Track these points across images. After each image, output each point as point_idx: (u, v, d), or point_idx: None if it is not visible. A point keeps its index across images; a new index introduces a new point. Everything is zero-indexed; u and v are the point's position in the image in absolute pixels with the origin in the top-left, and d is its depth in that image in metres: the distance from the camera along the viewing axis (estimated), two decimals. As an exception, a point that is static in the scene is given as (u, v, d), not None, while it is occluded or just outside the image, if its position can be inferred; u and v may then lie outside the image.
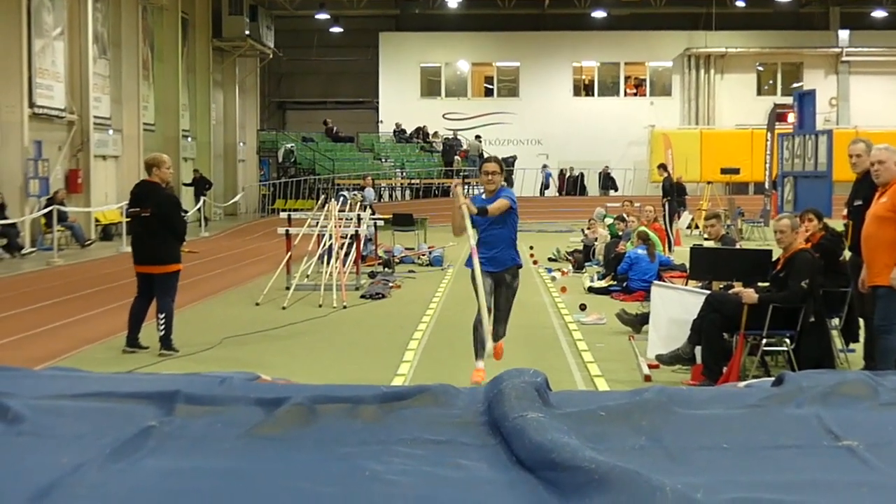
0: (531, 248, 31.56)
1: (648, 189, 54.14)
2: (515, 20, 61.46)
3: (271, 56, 60.15)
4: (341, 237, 22.12)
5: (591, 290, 22.06)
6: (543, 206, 52.79)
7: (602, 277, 22.81)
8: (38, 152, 32.70)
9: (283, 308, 19.27)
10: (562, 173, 59.94)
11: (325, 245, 22.12)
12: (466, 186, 55.68)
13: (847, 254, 13.21)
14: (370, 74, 64.92)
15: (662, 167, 36.86)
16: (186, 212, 15.72)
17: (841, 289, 13.12)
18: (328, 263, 21.22)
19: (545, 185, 58.46)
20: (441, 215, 43.17)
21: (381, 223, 28.37)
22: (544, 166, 58.57)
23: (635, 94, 64.66)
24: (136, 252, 15.04)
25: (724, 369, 12.19)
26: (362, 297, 21.09)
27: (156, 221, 14.73)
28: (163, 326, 14.64)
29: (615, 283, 21.58)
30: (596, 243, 27.24)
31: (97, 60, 37.58)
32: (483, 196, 12.22)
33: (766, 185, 43.16)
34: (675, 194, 34.03)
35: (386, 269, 25.76)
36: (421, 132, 60.28)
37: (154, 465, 4.55)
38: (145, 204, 14.84)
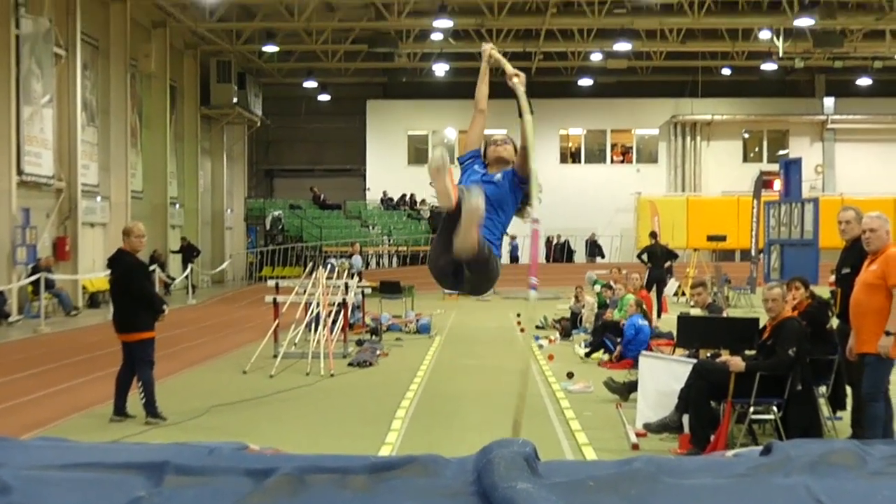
0: (518, 315, 31.58)
1: (636, 256, 54.27)
2: (502, 88, 60.67)
3: (259, 123, 60.36)
4: (329, 305, 22.12)
5: (585, 355, 22.02)
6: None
7: (589, 345, 22.76)
8: (25, 220, 32.71)
9: (271, 376, 19.23)
10: (549, 240, 60.00)
11: (312, 313, 22.11)
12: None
13: (834, 321, 13.25)
14: (358, 142, 65.12)
15: (653, 235, 36.94)
16: (149, 277, 15.52)
17: (828, 357, 13.14)
18: (316, 331, 21.21)
19: (513, 258, 58.25)
20: (428, 282, 43.23)
21: (368, 291, 28.39)
22: (513, 237, 58.43)
23: (622, 162, 64.90)
24: (112, 320, 15.09)
25: (712, 437, 12.18)
26: (350, 364, 21.07)
27: (119, 288, 14.77)
28: (143, 395, 14.62)
29: (606, 354, 21.50)
30: (583, 311, 27.26)
31: (85, 128, 37.70)
32: (488, 174, 8.58)
33: (753, 253, 43.25)
34: (658, 261, 34.00)
35: (373, 337, 25.74)
36: (408, 200, 60.42)
37: (143, 536, 4.52)
38: (113, 271, 14.92)
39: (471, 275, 7.80)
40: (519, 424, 6.56)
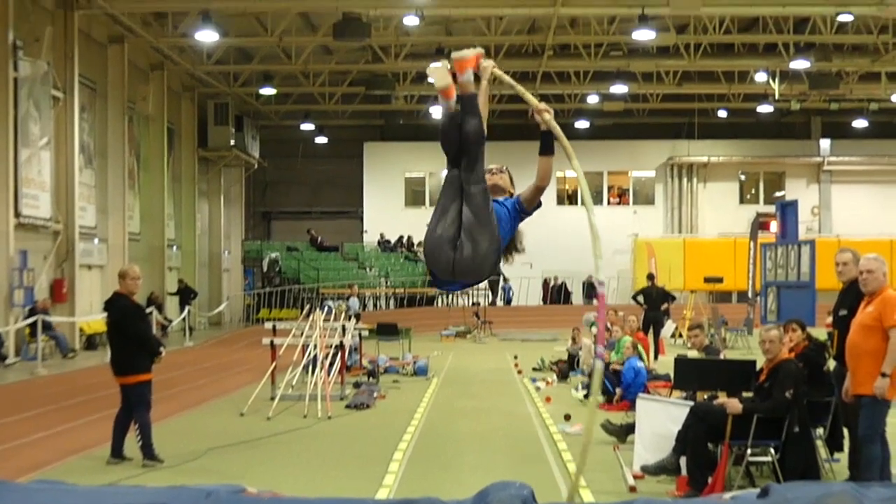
0: (515, 357, 31.58)
1: (631, 298, 54.26)
2: (499, 130, 61.80)
3: (256, 166, 60.45)
4: (326, 347, 22.12)
5: (584, 396, 21.97)
6: (528, 315, 52.83)
7: (586, 387, 22.73)
8: (23, 262, 32.71)
9: (268, 418, 19.21)
10: (546, 282, 60.02)
11: (309, 355, 22.11)
12: (450, 297, 55.85)
13: (831, 363, 13.26)
14: (355, 184, 65.22)
15: (650, 277, 36.96)
16: (145, 320, 15.53)
17: (825, 398, 13.15)
18: (313, 373, 21.21)
19: (507, 300, 58.20)
20: (425, 324, 43.21)
21: (365, 333, 28.40)
22: (505, 279, 58.36)
23: (619, 203, 64.99)
24: (110, 362, 15.11)
25: (710, 479, 12.18)
26: (347, 407, 21.05)
27: (116, 331, 14.80)
28: (140, 437, 14.61)
29: (603, 396, 21.48)
30: (580, 353, 27.26)
31: (83, 170, 37.74)
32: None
33: (750, 295, 43.23)
34: (653, 303, 33.94)
35: (371, 379, 25.71)
36: (405, 242, 60.48)
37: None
38: (109, 314, 14.94)
39: (469, 243, 7.80)
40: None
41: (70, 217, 35.97)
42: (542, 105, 7.92)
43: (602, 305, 7.70)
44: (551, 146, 8.04)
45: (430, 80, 7.85)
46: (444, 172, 8.01)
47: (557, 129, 7.82)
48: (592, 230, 7.88)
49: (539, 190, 8.07)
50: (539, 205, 8.15)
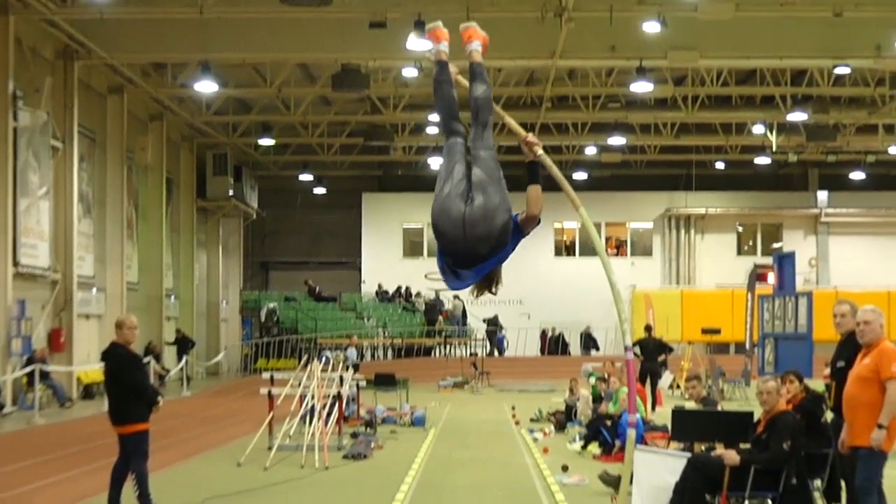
0: (513, 407, 31.54)
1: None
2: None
3: (255, 216, 60.57)
4: (324, 397, 22.11)
5: (582, 447, 21.96)
6: (525, 366, 52.78)
7: (584, 438, 22.70)
8: (21, 311, 32.70)
9: (266, 468, 19.17)
10: (543, 333, 59.98)
11: (307, 405, 22.10)
12: (448, 347, 55.83)
13: (829, 415, 13.27)
14: (353, 234, 65.29)
15: (648, 329, 36.95)
16: (142, 369, 15.54)
17: (823, 450, 13.15)
18: (311, 423, 21.18)
19: (500, 351, 58.09)
20: (423, 375, 43.19)
21: (363, 384, 28.38)
22: (500, 327, 58.29)
23: (616, 255, 65.01)
24: (108, 412, 15.10)
25: (708, 531, 12.18)
26: (345, 457, 21.01)
27: (113, 380, 14.80)
28: (136, 487, 14.58)
29: (601, 447, 21.44)
30: (578, 404, 27.23)
31: (82, 219, 37.82)
32: None
33: (748, 346, 43.25)
34: (650, 354, 33.85)
35: (368, 430, 25.67)
36: (403, 292, 60.50)
37: None
38: (106, 364, 14.96)
39: (481, 195, 7.87)
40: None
41: (68, 266, 36.01)
42: (531, 136, 8.06)
43: (631, 371, 7.69)
44: (538, 176, 8.30)
45: (427, 27, 8.06)
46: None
47: (546, 160, 7.96)
48: (613, 290, 7.95)
49: (531, 218, 8.19)
50: (538, 222, 8.24)
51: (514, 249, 8.27)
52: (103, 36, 35.32)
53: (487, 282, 8.38)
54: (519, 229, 8.18)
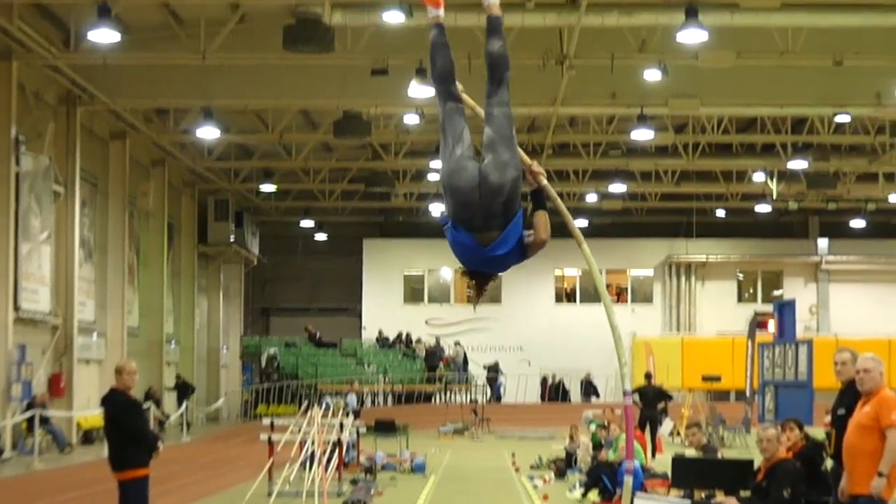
0: (513, 454, 31.48)
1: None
2: None
3: (256, 262, 60.60)
4: (324, 443, 22.08)
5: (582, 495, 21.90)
6: (525, 413, 52.68)
7: (584, 485, 22.66)
8: (21, 356, 32.67)
9: (265, 514, 19.14)
10: (544, 380, 59.88)
11: (307, 451, 22.07)
12: (448, 393, 55.72)
13: (829, 462, 13.26)
14: (354, 280, 65.24)
15: (648, 376, 36.92)
16: (142, 415, 15.52)
17: (823, 498, 13.14)
18: (310, 469, 21.15)
19: (497, 397, 57.98)
20: (423, 421, 43.11)
21: (363, 430, 28.35)
22: (500, 372, 58.22)
23: (617, 302, 64.95)
24: (108, 457, 15.09)
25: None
26: (345, 503, 20.98)
27: (113, 426, 14.79)
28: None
29: (601, 495, 21.40)
30: (578, 451, 27.19)
31: (83, 264, 37.85)
32: None
33: (748, 393, 43.15)
34: (650, 401, 33.82)
35: (368, 476, 25.62)
36: (403, 338, 60.43)
37: None
38: (105, 410, 14.96)
39: (491, 154, 7.82)
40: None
41: (69, 311, 36.01)
42: (537, 165, 8.04)
43: (630, 416, 7.64)
44: (544, 202, 8.19)
45: None
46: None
47: (550, 190, 7.96)
48: (614, 333, 7.90)
49: (540, 243, 8.09)
50: (543, 245, 8.12)
51: (516, 262, 8.21)
52: (106, 81, 35.45)
53: (485, 279, 8.34)
54: (524, 250, 8.10)
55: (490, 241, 7.82)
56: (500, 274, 8.49)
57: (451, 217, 7.90)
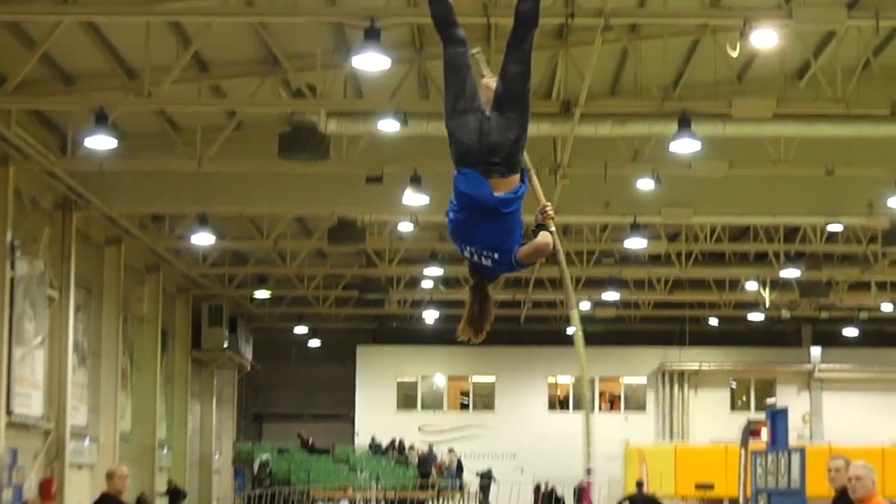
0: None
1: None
2: (492, 335, 59.85)
3: (249, 368, 60.51)
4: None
5: None
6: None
7: None
8: (12, 460, 32.52)
9: None
10: (537, 487, 59.57)
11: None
12: (441, 500, 55.41)
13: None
14: (347, 386, 65.10)
15: (639, 485, 36.86)
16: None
17: None
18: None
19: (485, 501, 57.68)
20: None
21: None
22: (493, 479, 57.91)
23: (610, 409, 64.89)
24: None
25: None
26: None
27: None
28: None
29: None
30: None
31: (76, 369, 37.73)
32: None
33: (741, 501, 42.98)
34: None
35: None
36: (396, 445, 60.23)
37: None
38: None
39: (495, 111, 7.75)
40: None
41: (61, 416, 35.85)
42: (550, 209, 8.14)
43: (589, 494, 7.67)
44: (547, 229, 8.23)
45: None
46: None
47: (555, 236, 8.00)
48: (585, 408, 7.95)
49: (541, 243, 8.28)
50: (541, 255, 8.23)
51: (510, 270, 8.43)
52: (102, 187, 35.55)
53: (486, 279, 8.58)
54: (514, 261, 8.21)
55: (496, 187, 7.80)
56: (499, 275, 8.58)
57: (454, 159, 7.88)
